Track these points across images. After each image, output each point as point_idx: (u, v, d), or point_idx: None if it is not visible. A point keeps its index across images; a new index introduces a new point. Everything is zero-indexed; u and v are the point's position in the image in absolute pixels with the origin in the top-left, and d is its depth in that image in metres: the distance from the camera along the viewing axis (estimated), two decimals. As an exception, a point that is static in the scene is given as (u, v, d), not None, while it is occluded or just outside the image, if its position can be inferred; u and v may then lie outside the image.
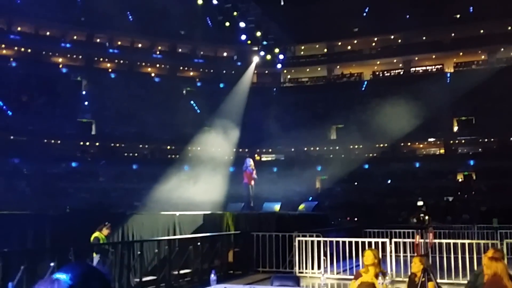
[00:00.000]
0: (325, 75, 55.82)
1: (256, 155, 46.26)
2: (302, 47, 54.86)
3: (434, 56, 51.76)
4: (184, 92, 53.18)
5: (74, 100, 46.85)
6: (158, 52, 54.81)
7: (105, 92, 47.22)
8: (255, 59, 40.72)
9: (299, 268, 14.64)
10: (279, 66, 41.33)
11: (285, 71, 54.51)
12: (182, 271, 13.49)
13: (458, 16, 49.91)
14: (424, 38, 51.82)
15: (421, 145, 48.37)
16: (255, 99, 44.05)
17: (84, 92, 49.75)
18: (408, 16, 51.32)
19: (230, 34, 36.57)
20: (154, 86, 51.70)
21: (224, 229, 16.24)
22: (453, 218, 29.17)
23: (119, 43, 53.90)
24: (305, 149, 48.83)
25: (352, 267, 13.62)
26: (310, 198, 33.29)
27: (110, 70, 52.86)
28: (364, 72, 54.13)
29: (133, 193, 38.69)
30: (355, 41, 54.78)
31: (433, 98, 41.03)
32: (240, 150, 38.29)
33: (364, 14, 54.54)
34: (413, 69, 52.67)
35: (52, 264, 11.57)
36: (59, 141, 44.86)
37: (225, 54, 57.14)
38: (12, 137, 41.92)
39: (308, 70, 56.26)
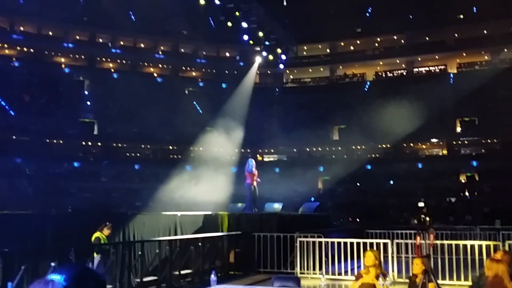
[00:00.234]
0: (327, 75, 55.75)
1: (258, 156, 46.24)
2: (305, 47, 54.80)
3: (437, 57, 51.65)
4: (187, 92, 53.16)
5: (76, 100, 46.91)
6: (160, 52, 54.83)
7: (108, 92, 47.26)
8: (258, 59, 40.67)
9: (300, 269, 14.58)
10: (281, 66, 41.30)
11: (287, 71, 54.50)
12: (183, 272, 13.45)
13: (461, 16, 49.83)
14: (427, 38, 51.75)
15: (424, 146, 48.25)
16: (257, 99, 43.99)
17: (86, 92, 49.77)
18: (411, 17, 51.25)
19: (232, 34, 36.56)
20: (157, 86, 51.70)
21: (226, 230, 16.19)
22: (456, 219, 29.09)
23: (122, 43, 53.93)
24: (307, 149, 48.77)
25: (354, 268, 13.56)
26: (312, 199, 33.28)
27: (112, 70, 52.90)
28: (367, 73, 54.05)
29: (135, 193, 38.75)
30: (358, 42, 54.73)
31: (436, 98, 41.00)
32: (242, 150, 38.20)
33: (367, 14, 54.48)
34: (416, 69, 52.57)
35: (53, 264, 11.54)
36: (61, 141, 44.92)
37: (227, 54, 57.13)
38: (14, 137, 41.97)
39: (310, 70, 56.22)
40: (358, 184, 42.55)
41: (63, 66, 50.93)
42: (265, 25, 32.06)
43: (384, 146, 45.16)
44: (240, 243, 15.56)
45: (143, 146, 48.55)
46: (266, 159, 50.10)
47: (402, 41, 53.06)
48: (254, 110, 42.38)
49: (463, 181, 42.99)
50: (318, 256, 14.37)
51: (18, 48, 49.60)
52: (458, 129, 45.93)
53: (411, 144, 46.85)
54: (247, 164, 18.49)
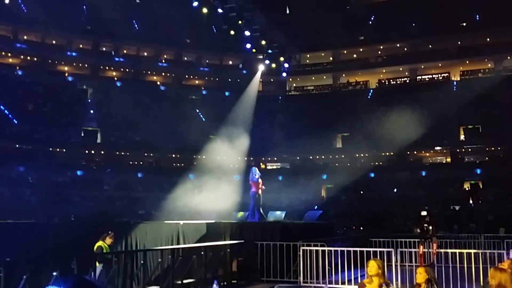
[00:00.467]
0: (330, 83, 55.79)
1: (261, 164, 46.14)
2: (308, 55, 54.80)
3: (440, 64, 51.60)
4: (190, 100, 53.18)
5: (79, 108, 46.99)
6: (163, 61, 55.00)
7: (111, 101, 47.35)
8: (261, 68, 40.70)
9: (304, 278, 14.49)
10: (284, 74, 41.33)
11: (290, 79, 54.53)
12: (185, 281, 13.36)
13: (464, 24, 49.83)
14: (430, 46, 51.74)
15: (428, 154, 48.12)
16: (260, 107, 43.99)
17: (89, 101, 49.90)
18: (414, 24, 51.32)
19: (235, 43, 36.61)
20: (160, 94, 51.80)
21: (228, 238, 16.11)
22: (460, 227, 28.92)
23: (125, 51, 54.12)
24: (311, 157, 48.66)
25: (357, 277, 13.46)
26: (316, 207, 33.17)
27: (115, 78, 53.05)
28: (370, 80, 54.05)
29: (137, 201, 38.71)
30: (361, 49, 54.74)
31: (440, 106, 40.94)
32: (246, 158, 38.17)
33: (370, 22, 54.56)
34: (419, 77, 52.55)
35: (54, 273, 11.50)
36: (64, 149, 44.90)
37: (230, 62, 57.23)
38: (17, 145, 42.04)
39: (313, 78, 56.22)
40: (361, 192, 42.40)
41: (66, 74, 51.12)
42: (267, 34, 32.11)
43: (387, 154, 45.03)
44: (243, 252, 15.48)
45: (146, 154, 48.54)
46: (269, 167, 50.02)
47: (405, 49, 53.08)
48: (257, 118, 42.35)
49: (467, 189, 42.82)
50: (321, 265, 14.28)
51: (22, 56, 49.80)
52: (462, 137, 45.82)
53: (415, 152, 46.75)
54: (251, 173, 18.43)
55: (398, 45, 53.28)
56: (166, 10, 48.76)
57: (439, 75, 51.88)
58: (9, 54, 49.24)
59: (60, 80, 49.34)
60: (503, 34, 46.68)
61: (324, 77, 56.05)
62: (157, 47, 54.00)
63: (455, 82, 49.79)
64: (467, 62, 50.41)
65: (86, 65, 52.35)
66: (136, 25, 53.36)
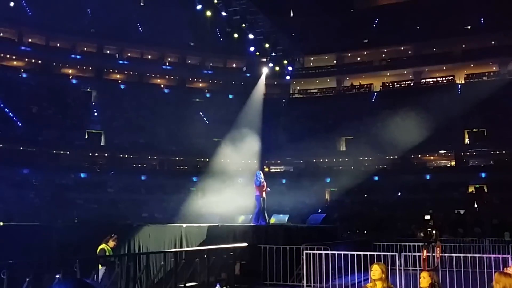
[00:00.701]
0: (334, 86, 55.69)
1: (265, 167, 46.09)
2: (312, 58, 54.81)
3: (444, 68, 51.49)
4: (193, 103, 53.19)
5: (83, 111, 47.11)
6: (167, 64, 55.10)
7: (115, 103, 47.43)
8: (265, 71, 40.70)
9: (307, 282, 14.40)
10: (288, 77, 41.36)
11: (294, 82, 54.51)
12: (188, 284, 13.30)
13: (469, 27, 49.75)
14: (434, 49, 51.67)
15: (432, 157, 47.95)
16: (264, 110, 43.96)
17: (93, 103, 49.98)
18: (418, 28, 51.25)
19: (239, 46, 36.64)
20: (164, 97, 51.87)
21: (231, 242, 16.06)
22: (464, 231, 28.77)
23: (129, 54, 54.24)
24: (314, 160, 48.58)
25: (361, 281, 13.39)
26: (319, 210, 33.07)
27: (119, 81, 53.17)
28: (374, 84, 53.95)
29: (141, 204, 38.72)
30: (365, 53, 54.68)
31: (444, 109, 40.78)
32: (249, 161, 38.11)
33: (374, 25, 54.53)
34: (424, 80, 52.43)
35: (57, 276, 11.46)
36: (68, 152, 45.00)
37: (234, 65, 57.29)
38: (21, 148, 42.08)
39: (317, 81, 56.19)
40: (365, 195, 42.24)
41: (70, 77, 51.24)
42: (271, 37, 32.14)
43: (391, 157, 44.83)
44: (246, 255, 15.42)
45: (149, 157, 48.55)
46: (272, 170, 49.93)
47: (409, 52, 53.00)
48: (261, 121, 42.25)
49: (471, 193, 42.62)
50: (325, 269, 14.20)
51: (26, 59, 49.97)
52: (467, 140, 45.64)
53: (419, 156, 46.57)
54: (255, 177, 18.39)
55: (402, 48, 53.21)
56: (170, 13, 48.83)
57: (444, 78, 51.74)
58: (14, 57, 49.43)
59: (65, 83, 49.47)
60: (508, 37, 46.56)
61: (328, 80, 55.98)
62: (161, 50, 54.13)
63: (459, 86, 49.64)
64: (472, 65, 50.26)
65: (90, 68, 52.48)
66: (140, 28, 53.50)
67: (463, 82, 50.09)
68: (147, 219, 31.86)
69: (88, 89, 51.16)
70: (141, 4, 54.54)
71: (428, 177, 44.14)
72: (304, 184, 39.11)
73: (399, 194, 41.50)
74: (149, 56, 55.47)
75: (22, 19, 47.04)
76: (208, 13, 28.98)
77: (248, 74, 53.65)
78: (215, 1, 28.03)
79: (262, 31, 31.34)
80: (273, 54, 34.35)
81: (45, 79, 47.67)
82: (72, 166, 43.63)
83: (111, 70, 53.53)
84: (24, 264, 10.07)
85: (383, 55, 54.22)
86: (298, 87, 56.85)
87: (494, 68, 50.20)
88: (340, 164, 47.92)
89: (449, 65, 50.88)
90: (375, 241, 20.09)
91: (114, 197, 40.71)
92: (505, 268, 7.29)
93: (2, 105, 43.24)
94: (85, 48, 52.49)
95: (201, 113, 51.86)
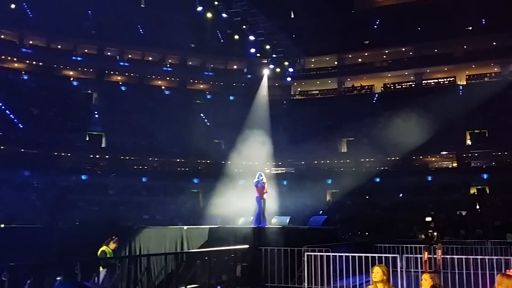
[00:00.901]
0: (335, 87, 55.66)
1: (266, 168, 46.05)
2: (312, 60, 54.79)
3: (446, 69, 51.45)
4: (194, 105, 53.20)
5: (84, 112, 47.11)
6: (168, 65, 55.11)
7: (116, 105, 47.43)
8: (266, 72, 40.65)
9: (308, 284, 14.35)
10: (289, 79, 41.29)
11: (295, 83, 54.47)
12: (189, 286, 13.24)
13: (470, 28, 49.66)
14: (436, 50, 51.62)
15: (433, 158, 47.86)
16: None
17: (94, 105, 49.97)
18: (419, 28, 51.22)
19: (239, 47, 36.66)
20: (164, 99, 51.88)
21: (232, 243, 16.01)
22: (466, 232, 28.70)
23: (130, 56, 54.27)
24: (316, 162, 48.51)
25: (362, 282, 13.34)
26: (321, 212, 33.02)
27: (120, 83, 53.19)
28: (375, 85, 53.92)
29: (142, 206, 38.68)
30: (366, 54, 54.66)
31: (445, 110, 40.70)
32: (250, 163, 38.07)
33: (375, 26, 54.50)
34: (425, 81, 52.37)
35: (58, 278, 11.43)
36: (69, 154, 44.98)
37: (235, 67, 57.30)
38: (22, 150, 42.07)
39: (318, 82, 56.18)
40: (366, 197, 42.18)
41: (71, 79, 51.30)
42: (272, 38, 32.14)
43: (393, 158, 44.76)
44: (247, 257, 15.36)
45: (150, 159, 48.54)
46: (274, 172, 49.87)
47: (411, 53, 52.96)
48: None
49: (473, 194, 42.52)
50: (326, 271, 14.15)
51: (27, 61, 50.05)
52: (468, 142, 45.55)
53: (421, 157, 46.47)
54: (256, 178, 18.35)
55: (403, 49, 53.17)
56: (171, 15, 48.89)
57: (445, 80, 51.70)
58: (15, 59, 49.48)
59: (65, 85, 49.52)
60: (509, 38, 46.51)
61: (329, 81, 55.97)
62: (162, 51, 54.17)
63: (461, 87, 49.59)
64: (473, 66, 50.22)
65: (91, 70, 52.53)
66: (141, 30, 53.53)
67: (464, 83, 50.04)
68: (148, 221, 31.82)
69: (89, 91, 51.18)
70: (142, 6, 54.57)
71: (429, 178, 44.05)
72: (305, 186, 39.01)
73: (401, 195, 41.42)
74: (150, 58, 55.51)
75: (23, 21, 47.10)
76: (209, 15, 28.95)
77: (249, 76, 53.65)
78: (216, 3, 28.02)
79: (263, 33, 31.34)
80: (274, 55, 34.35)
81: (46, 81, 47.70)
82: (73, 168, 43.61)
83: (112, 72, 53.55)
84: (25, 266, 10.04)
85: (384, 56, 54.19)
86: (299, 89, 56.84)
87: (495, 69, 50.13)
88: (341, 166, 47.83)
89: (450, 66, 50.85)
90: (377, 242, 20.04)
91: (115, 199, 40.67)
92: (507, 270, 7.25)
93: (3, 107, 43.27)
94: (86, 50, 52.55)
95: (202, 115, 51.86)
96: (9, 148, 40.56)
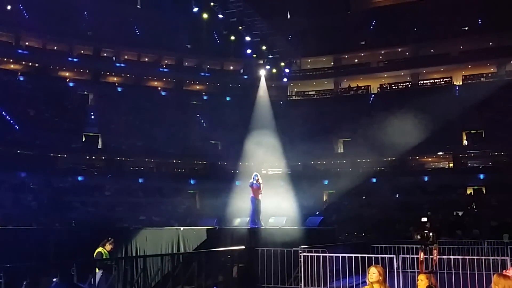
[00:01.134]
0: (332, 88, 55.69)
1: (262, 169, 46.05)
2: (309, 60, 54.84)
3: (442, 69, 51.52)
4: (191, 105, 53.15)
5: (81, 114, 46.99)
6: (164, 66, 55.02)
7: (112, 106, 47.35)
8: (262, 72, 40.67)
9: (305, 285, 14.36)
10: (285, 79, 41.32)
11: (291, 84, 54.47)
12: (185, 287, 13.23)
13: (466, 28, 49.76)
14: (432, 50, 51.67)
15: (430, 159, 47.93)
16: (262, 112, 43.85)
17: (90, 106, 49.86)
18: (415, 29, 51.33)
19: (236, 48, 36.67)
20: (161, 99, 51.80)
21: (229, 244, 15.99)
22: (463, 233, 28.74)
23: (126, 57, 54.18)
24: (312, 162, 48.48)
25: (359, 283, 13.34)
26: (317, 213, 33.03)
27: (117, 84, 53.07)
28: (372, 85, 53.95)
29: (138, 207, 38.62)
30: (362, 54, 54.70)
31: (442, 111, 40.73)
32: (247, 163, 38.08)
33: (371, 27, 54.56)
34: (421, 82, 52.40)
35: (54, 280, 11.40)
36: (65, 155, 44.84)
37: (231, 67, 57.26)
38: (19, 151, 41.93)
39: (314, 83, 56.17)
40: (363, 197, 42.21)
41: (67, 80, 51.17)
42: (268, 39, 32.20)
43: (389, 159, 44.83)
44: (243, 258, 15.34)
45: (147, 160, 48.44)
46: (270, 172, 49.85)
47: (407, 53, 52.99)
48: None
49: (470, 194, 42.59)
50: (323, 271, 14.15)
51: (23, 62, 49.87)
52: (465, 142, 45.60)
53: (417, 157, 46.53)
54: (252, 178, 18.35)
55: (399, 49, 53.21)
56: (167, 16, 48.80)
57: (441, 80, 51.76)
58: (11, 60, 49.29)
59: (61, 86, 49.38)
60: (506, 38, 46.64)
61: (325, 82, 55.99)
62: (158, 52, 54.08)
63: (457, 87, 49.66)
64: (469, 66, 50.27)
65: (87, 71, 52.39)
66: (137, 31, 53.46)
67: (461, 83, 50.12)
68: (145, 222, 31.77)
69: (85, 92, 51.07)
70: (138, 6, 54.52)
71: (426, 178, 44.10)
72: (301, 186, 39.00)
73: (397, 196, 41.45)
74: (146, 59, 55.41)
75: (19, 22, 46.94)
76: (205, 16, 29.02)
77: (245, 76, 53.64)
78: (212, 4, 28.05)
79: (259, 33, 31.42)
80: (270, 56, 34.45)
81: (42, 82, 47.57)
82: (70, 169, 43.49)
83: (108, 73, 53.43)
84: (21, 267, 10.02)
85: (381, 57, 54.23)
86: (295, 89, 56.83)
87: (492, 69, 50.22)
88: (338, 166, 47.84)
89: (446, 67, 50.91)
90: (373, 243, 20.07)
91: (111, 200, 40.60)
92: (504, 270, 7.25)
93: (-1, 108, 43.16)
94: (82, 51, 52.43)
95: (198, 116, 51.82)
96: (5, 149, 40.39)
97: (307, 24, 51.95)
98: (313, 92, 56.14)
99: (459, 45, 50.12)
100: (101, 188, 42.56)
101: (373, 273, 7.14)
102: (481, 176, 42.34)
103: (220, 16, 28.65)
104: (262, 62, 37.18)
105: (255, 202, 18.04)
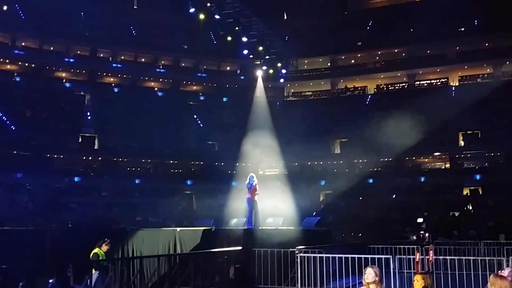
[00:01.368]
0: (328, 89, 55.72)
1: (259, 170, 46.03)
2: (305, 61, 54.86)
3: (438, 70, 51.60)
4: (187, 106, 53.10)
5: (77, 114, 46.94)
6: (161, 67, 54.96)
7: (108, 107, 47.25)
8: (259, 73, 40.64)
9: (301, 285, 14.35)
10: (282, 80, 41.30)
11: (288, 85, 54.46)
12: (182, 288, 13.23)
13: (462, 29, 49.83)
14: (428, 51, 51.74)
15: (426, 159, 47.99)
16: (258, 113, 43.84)
17: (87, 107, 49.78)
18: (412, 30, 51.37)
19: (232, 49, 36.64)
20: (157, 100, 51.73)
21: (225, 245, 15.98)
22: (459, 233, 28.79)
23: (123, 57, 54.11)
24: (309, 163, 48.49)
25: (355, 284, 13.33)
26: (314, 213, 33.03)
27: (113, 84, 53.01)
28: (368, 86, 54.00)
29: (135, 208, 38.59)
30: (359, 55, 54.74)
31: (438, 111, 40.84)
32: (243, 164, 38.06)
33: (368, 27, 54.60)
34: (418, 82, 52.50)
35: (51, 280, 11.38)
36: (62, 156, 44.76)
37: (228, 68, 57.26)
38: (15, 152, 41.86)
39: (311, 84, 56.19)
40: (360, 198, 42.25)
41: (64, 81, 51.08)
42: (265, 39, 32.17)
43: (386, 159, 44.88)
44: (240, 259, 15.33)
45: (143, 160, 48.37)
46: (267, 173, 49.84)
47: (403, 54, 53.08)
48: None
49: (466, 195, 42.65)
50: (319, 272, 14.15)
51: (20, 63, 49.80)
52: (461, 142, 45.69)
53: (414, 158, 46.60)
54: (248, 179, 18.34)
55: (396, 50, 53.29)
56: (163, 16, 48.76)
57: (438, 80, 51.84)
58: (7, 61, 49.21)
59: (58, 87, 49.31)
60: (502, 38, 46.74)
61: (322, 82, 56.01)
62: (155, 53, 54.03)
63: (453, 87, 49.75)
64: (466, 67, 50.34)
65: (84, 71, 52.30)
66: (133, 31, 53.38)
67: (457, 84, 50.21)
68: (141, 223, 31.76)
69: (82, 93, 50.96)
70: (135, 7, 54.44)
71: (422, 179, 44.20)
72: (298, 187, 38.99)
73: (394, 196, 41.48)
74: (143, 59, 55.33)
75: (15, 22, 46.84)
76: (202, 16, 28.98)
77: (242, 77, 53.64)
78: (208, 4, 28.02)
79: (256, 34, 31.39)
80: (267, 56, 34.42)
81: (39, 82, 47.50)
82: (66, 170, 43.46)
83: (104, 74, 53.37)
84: (18, 268, 10.00)
85: (377, 58, 54.28)
86: (292, 90, 56.85)
87: (488, 70, 50.31)
88: (334, 167, 47.86)
89: (443, 67, 51.00)
90: (370, 243, 20.05)
91: (108, 201, 40.59)
92: (500, 271, 7.26)
93: (-5, 109, 43.06)
94: (78, 52, 52.31)
95: (195, 116, 51.78)
96: (1, 149, 40.30)
97: (303, 25, 52.03)
98: (310, 93, 56.16)
99: (456, 46, 50.21)
100: (97, 188, 42.55)
101: (370, 273, 7.14)
102: (478, 177, 42.44)
103: (217, 16, 28.61)
104: (258, 62, 37.10)
105: (251, 203, 18.02)
